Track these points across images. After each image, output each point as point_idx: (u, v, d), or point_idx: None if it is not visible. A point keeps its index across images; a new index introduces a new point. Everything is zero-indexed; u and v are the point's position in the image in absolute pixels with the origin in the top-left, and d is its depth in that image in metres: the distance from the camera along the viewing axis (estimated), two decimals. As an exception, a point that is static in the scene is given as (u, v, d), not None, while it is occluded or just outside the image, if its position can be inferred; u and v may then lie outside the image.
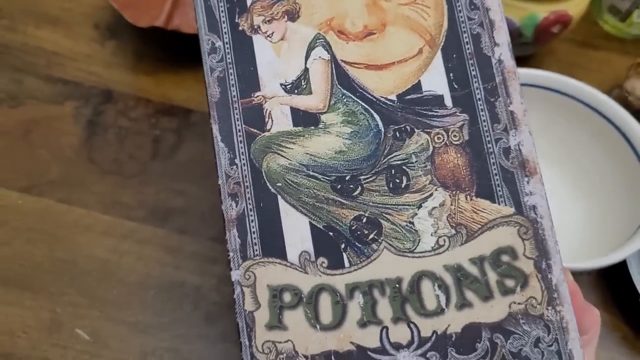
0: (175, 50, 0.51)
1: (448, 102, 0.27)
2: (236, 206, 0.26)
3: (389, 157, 0.27)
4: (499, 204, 0.26)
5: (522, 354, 0.25)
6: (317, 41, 0.28)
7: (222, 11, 0.28)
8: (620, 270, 0.41)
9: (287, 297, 0.26)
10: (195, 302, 0.40)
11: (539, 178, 0.26)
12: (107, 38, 0.52)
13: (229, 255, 0.26)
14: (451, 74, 0.27)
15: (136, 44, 0.52)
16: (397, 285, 0.25)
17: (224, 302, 0.40)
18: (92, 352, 0.38)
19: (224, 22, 0.28)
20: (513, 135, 0.26)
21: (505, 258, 0.25)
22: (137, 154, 0.46)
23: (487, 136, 0.27)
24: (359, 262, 0.26)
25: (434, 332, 0.25)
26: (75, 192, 0.44)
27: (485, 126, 0.27)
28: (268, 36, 0.28)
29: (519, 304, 0.25)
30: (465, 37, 0.27)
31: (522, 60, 0.54)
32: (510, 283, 0.25)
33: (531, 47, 0.50)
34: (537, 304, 0.25)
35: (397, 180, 0.27)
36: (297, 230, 0.26)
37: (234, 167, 0.27)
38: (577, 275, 0.37)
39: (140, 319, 0.39)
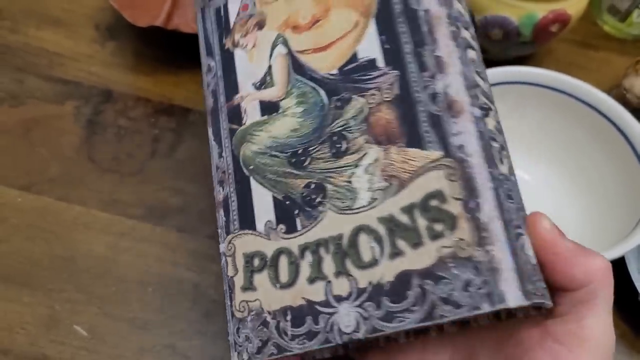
0: (175, 51, 0.52)
1: (381, 63, 0.28)
2: (222, 191, 0.31)
3: (331, 125, 0.29)
4: (428, 150, 0.26)
5: (452, 299, 0.24)
6: (278, 40, 0.32)
7: (214, 36, 0.34)
8: (619, 268, 0.41)
9: (256, 262, 0.29)
10: (194, 299, 0.40)
11: (468, 117, 0.25)
12: (108, 39, 0.53)
13: (218, 232, 0.30)
14: (383, 37, 0.29)
15: (136, 44, 0.52)
16: (338, 242, 0.27)
17: (222, 299, 0.40)
18: (90, 348, 0.38)
19: (215, 45, 0.34)
20: (440, 79, 0.26)
21: (433, 202, 0.25)
22: (136, 152, 0.46)
23: (416, 86, 0.27)
24: (308, 224, 0.28)
25: (370, 282, 0.26)
26: (74, 190, 0.44)
27: (413, 77, 0.27)
28: (244, 47, 0.33)
29: (449, 247, 0.24)
30: None
31: (521, 60, 0.54)
32: (439, 227, 0.25)
33: (530, 47, 0.50)
34: (466, 246, 0.24)
35: (338, 145, 0.28)
36: (263, 204, 0.30)
37: (221, 159, 0.31)
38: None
39: (138, 315, 0.39)
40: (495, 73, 0.43)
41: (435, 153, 0.26)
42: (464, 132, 0.25)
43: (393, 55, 0.28)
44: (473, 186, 0.24)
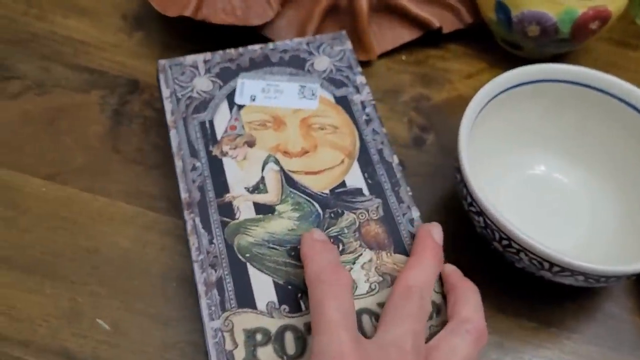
0: (202, 42, 0.51)
1: (366, 192, 0.37)
2: (215, 273, 0.34)
3: (328, 230, 0.35)
4: None
5: None
6: (269, 158, 0.38)
7: (199, 144, 0.39)
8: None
9: (259, 337, 0.32)
10: (218, 296, 0.39)
11: None
12: (134, 28, 0.52)
13: (210, 309, 0.32)
14: (366, 174, 0.38)
15: (163, 35, 0.52)
16: None
17: (246, 296, 0.39)
18: (112, 342, 0.37)
19: (201, 150, 0.38)
20: (415, 211, 0.37)
21: None
22: (162, 144, 0.45)
23: (397, 212, 0.36)
24: None
25: None
26: (99, 180, 0.43)
27: (393, 206, 0.37)
28: (234, 158, 0.38)
29: (436, 326, 0.32)
30: (373, 151, 0.39)
31: (556, 59, 0.52)
32: None
33: (568, 45, 0.49)
34: None
35: (336, 246, 0.34)
36: (263, 287, 0.33)
37: (212, 245, 0.35)
38: (614, 280, 0.35)
39: (161, 310, 0.38)
40: (532, 70, 0.41)
41: None
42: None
43: (375, 188, 0.37)
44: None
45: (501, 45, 0.53)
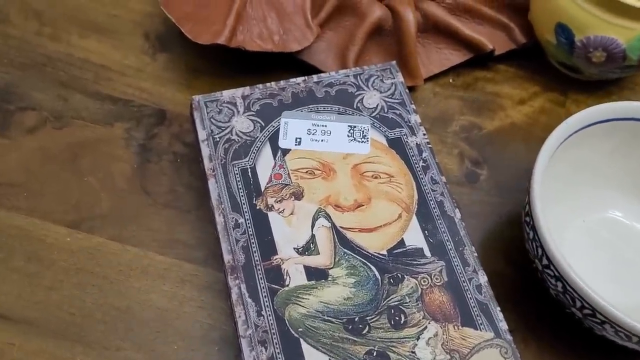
0: (234, 66, 0.47)
1: (427, 252, 0.34)
2: (266, 351, 0.31)
3: (388, 299, 0.32)
4: (481, 330, 0.32)
5: None
6: (319, 213, 0.35)
7: (242, 195, 0.35)
8: None
9: None
10: None
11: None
12: (158, 50, 0.48)
13: None
14: (426, 232, 0.35)
15: (190, 57, 0.47)
16: None
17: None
18: (152, 417, 0.34)
19: (244, 203, 0.35)
20: (482, 275, 0.33)
21: None
22: (195, 184, 0.42)
23: (462, 277, 0.33)
24: None
25: None
26: (128, 228, 0.39)
27: (458, 269, 0.33)
28: (280, 212, 0.35)
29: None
30: (432, 204, 0.36)
31: (613, 81, 0.48)
32: None
33: (632, 70, 0.45)
34: None
35: (397, 318, 0.32)
36: None
37: (261, 318, 0.31)
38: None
39: (204, 380, 0.35)
40: (604, 110, 0.38)
41: (488, 334, 0.31)
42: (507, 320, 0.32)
43: (437, 249, 0.34)
44: None
45: (555, 67, 0.49)
